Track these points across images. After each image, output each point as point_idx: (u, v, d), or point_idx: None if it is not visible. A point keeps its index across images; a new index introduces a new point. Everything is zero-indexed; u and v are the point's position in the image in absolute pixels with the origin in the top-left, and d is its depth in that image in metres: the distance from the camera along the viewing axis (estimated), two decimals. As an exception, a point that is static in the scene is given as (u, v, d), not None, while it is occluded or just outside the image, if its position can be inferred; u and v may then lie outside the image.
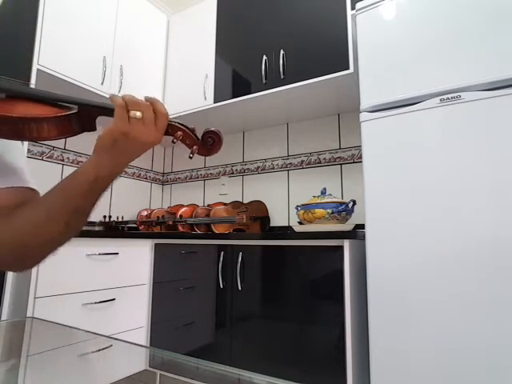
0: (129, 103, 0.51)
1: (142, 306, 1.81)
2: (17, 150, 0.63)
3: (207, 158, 2.59)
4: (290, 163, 2.29)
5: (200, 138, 0.61)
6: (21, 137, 0.53)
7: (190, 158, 0.60)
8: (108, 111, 0.55)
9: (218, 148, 0.61)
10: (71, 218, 0.53)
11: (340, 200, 1.67)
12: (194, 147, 0.60)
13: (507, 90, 1.11)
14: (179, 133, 0.58)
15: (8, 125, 0.51)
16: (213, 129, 0.60)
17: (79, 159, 2.27)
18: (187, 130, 0.60)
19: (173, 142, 0.58)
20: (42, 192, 0.63)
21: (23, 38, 1.66)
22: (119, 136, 0.51)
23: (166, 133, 0.57)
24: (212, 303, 1.65)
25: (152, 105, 0.53)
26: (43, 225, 0.52)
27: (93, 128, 0.58)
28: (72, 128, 0.56)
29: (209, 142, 0.60)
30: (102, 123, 0.57)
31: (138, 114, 0.51)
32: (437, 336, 1.13)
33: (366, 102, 1.39)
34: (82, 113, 0.56)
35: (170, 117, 0.57)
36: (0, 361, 0.74)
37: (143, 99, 0.53)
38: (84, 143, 2.26)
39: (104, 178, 0.52)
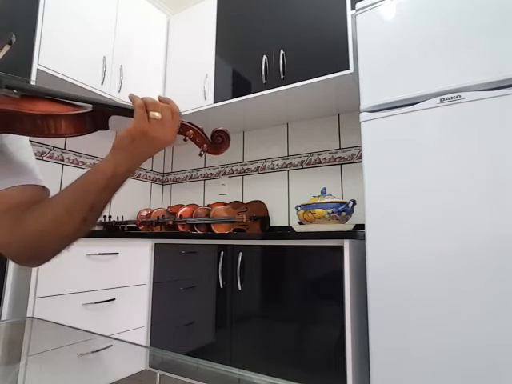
0: (148, 104, 0.53)
1: (141, 306, 1.81)
2: (27, 149, 0.64)
3: (207, 157, 2.59)
4: (290, 163, 2.29)
5: (209, 137, 0.64)
6: (39, 133, 0.55)
7: (201, 155, 0.64)
8: (125, 111, 0.57)
9: (226, 146, 0.64)
10: (88, 214, 0.55)
11: (340, 200, 1.67)
12: (204, 145, 0.63)
13: (507, 90, 1.11)
14: (190, 131, 0.62)
15: (28, 122, 0.53)
16: (221, 128, 0.63)
17: (79, 159, 2.27)
18: (197, 130, 0.63)
19: (184, 140, 0.62)
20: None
21: (23, 37, 1.66)
22: (138, 135, 0.53)
23: (178, 132, 0.60)
24: (212, 303, 1.65)
25: (172, 107, 0.56)
26: (62, 221, 0.54)
27: (106, 127, 0.60)
28: (87, 126, 0.58)
29: (218, 141, 0.63)
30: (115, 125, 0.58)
31: (158, 114, 0.53)
32: (437, 336, 1.13)
33: (366, 101, 1.38)
34: (97, 112, 0.58)
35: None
36: (0, 361, 0.74)
37: (157, 99, 0.56)
38: (84, 143, 2.26)
39: (121, 175, 0.55)
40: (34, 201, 0.57)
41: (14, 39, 0.57)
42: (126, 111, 0.57)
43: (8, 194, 0.56)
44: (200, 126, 0.64)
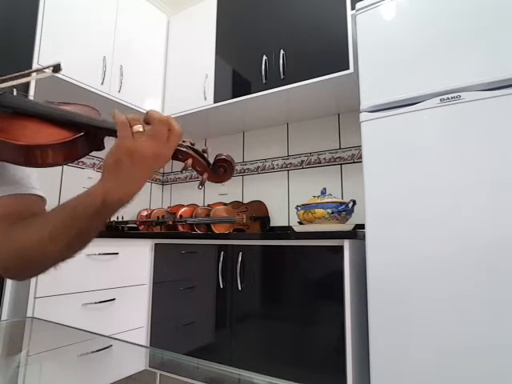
0: (131, 119, 0.48)
1: (141, 306, 1.81)
2: None
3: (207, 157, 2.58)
4: (290, 163, 2.29)
5: (211, 164, 0.58)
6: (27, 163, 0.51)
7: (200, 188, 0.59)
8: (115, 132, 0.51)
9: (229, 177, 0.59)
10: (73, 240, 0.52)
11: (340, 200, 1.67)
12: (205, 176, 0.57)
13: (507, 90, 1.11)
14: (190, 160, 0.56)
15: (13, 151, 0.50)
16: (224, 156, 0.58)
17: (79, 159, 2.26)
18: (198, 157, 0.57)
19: (182, 171, 0.57)
20: (47, 197, 0.63)
21: (23, 37, 1.66)
22: (123, 154, 0.48)
23: (176, 158, 0.55)
24: (212, 303, 1.65)
25: (167, 121, 0.50)
26: (44, 244, 0.51)
27: (100, 148, 0.56)
28: (78, 151, 0.54)
29: (220, 172, 0.58)
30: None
31: (140, 127, 0.48)
32: (437, 336, 1.13)
33: (366, 101, 1.38)
34: (89, 134, 0.53)
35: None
36: (0, 361, 0.74)
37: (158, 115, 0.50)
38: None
39: (112, 203, 0.49)
40: (26, 210, 0.56)
41: (60, 69, 0.55)
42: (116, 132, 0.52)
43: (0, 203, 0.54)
44: (203, 148, 0.58)
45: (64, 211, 0.51)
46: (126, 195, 0.50)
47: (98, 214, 0.49)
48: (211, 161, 0.58)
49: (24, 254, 0.51)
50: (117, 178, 0.48)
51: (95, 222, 0.51)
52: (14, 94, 0.58)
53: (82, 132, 0.52)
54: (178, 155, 0.55)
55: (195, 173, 0.59)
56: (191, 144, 0.57)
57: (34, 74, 0.59)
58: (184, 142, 0.56)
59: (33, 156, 0.50)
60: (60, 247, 0.51)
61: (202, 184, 0.58)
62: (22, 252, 0.52)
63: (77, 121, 0.53)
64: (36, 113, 0.53)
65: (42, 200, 0.61)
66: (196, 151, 0.57)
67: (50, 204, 0.61)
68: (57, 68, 0.55)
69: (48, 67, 0.56)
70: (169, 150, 0.51)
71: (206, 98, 2.17)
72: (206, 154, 0.58)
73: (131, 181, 0.49)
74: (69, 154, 0.53)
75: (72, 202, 0.51)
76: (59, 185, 2.08)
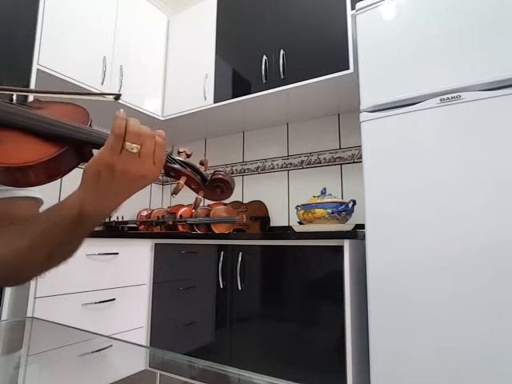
0: (129, 133, 0.43)
1: (141, 306, 1.81)
2: None
3: (207, 157, 2.58)
4: (290, 163, 2.29)
5: (208, 180, 0.52)
6: (9, 184, 0.46)
7: (194, 209, 0.55)
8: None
9: (225, 197, 0.54)
10: (55, 250, 0.49)
11: (340, 200, 1.67)
12: (200, 195, 0.52)
13: (507, 90, 1.11)
14: (182, 181, 0.50)
15: None
16: (221, 175, 0.52)
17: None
18: (192, 174, 0.51)
19: (174, 193, 0.50)
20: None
21: (23, 37, 1.66)
22: (103, 168, 0.43)
23: (169, 175, 0.50)
24: (212, 303, 1.65)
25: (154, 136, 0.45)
26: (24, 253, 0.48)
27: (89, 160, 0.50)
28: (63, 167, 0.48)
29: (217, 192, 0.52)
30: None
31: (135, 148, 0.43)
32: (437, 336, 1.13)
33: (365, 101, 1.38)
34: (76, 147, 0.47)
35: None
36: (0, 361, 0.74)
37: (144, 128, 0.44)
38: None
39: (89, 215, 0.45)
40: (7, 215, 0.53)
41: (119, 98, 0.51)
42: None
43: None
44: (199, 162, 0.53)
45: (42, 221, 0.48)
46: (105, 209, 0.47)
47: (76, 226, 0.46)
48: (209, 170, 0.53)
49: (4, 262, 0.48)
50: (95, 192, 0.44)
51: (73, 234, 0.48)
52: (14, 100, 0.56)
53: (67, 146, 0.46)
54: (169, 172, 0.50)
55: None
56: (187, 155, 0.52)
57: (97, 97, 0.56)
58: (180, 153, 0.51)
59: (12, 177, 0.44)
60: (41, 258, 0.49)
61: (195, 207, 0.53)
62: (2, 260, 0.48)
63: (59, 133, 0.45)
64: (12, 123, 0.45)
65: (35, 201, 0.58)
66: (191, 166, 0.51)
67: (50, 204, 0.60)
68: (117, 97, 0.53)
69: (110, 94, 0.54)
70: (156, 169, 0.46)
71: (205, 98, 2.17)
72: (203, 167, 0.53)
73: (110, 196, 0.45)
74: (53, 172, 0.46)
75: (50, 212, 0.48)
76: (59, 184, 2.08)
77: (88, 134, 0.47)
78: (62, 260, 0.52)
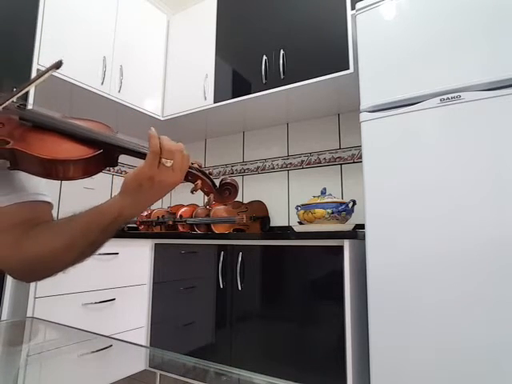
0: (164, 151, 0.52)
1: (141, 306, 1.81)
2: None
3: (207, 157, 2.58)
4: (290, 163, 2.29)
5: (218, 186, 0.63)
6: (47, 175, 0.53)
7: (206, 207, 0.65)
8: (137, 154, 0.56)
9: (232, 199, 0.64)
10: (87, 249, 0.56)
11: (340, 200, 1.67)
12: (211, 196, 0.62)
13: (507, 90, 1.11)
14: (199, 182, 0.60)
15: (36, 163, 0.51)
16: (229, 180, 0.63)
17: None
18: (205, 179, 0.61)
19: (192, 192, 0.60)
20: (54, 202, 0.64)
21: (23, 37, 1.66)
22: (145, 180, 0.52)
23: (187, 179, 0.59)
24: (212, 303, 1.65)
25: (182, 150, 0.54)
26: (60, 252, 0.54)
27: (114, 165, 0.59)
28: (95, 168, 0.56)
29: (225, 194, 0.63)
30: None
31: (169, 163, 0.53)
32: (437, 336, 1.13)
33: (365, 101, 1.38)
34: (107, 152, 0.56)
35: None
36: (0, 361, 0.74)
37: (174, 145, 0.54)
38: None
39: (125, 218, 0.55)
40: (36, 218, 0.58)
41: (61, 65, 0.55)
42: (138, 154, 0.56)
43: (9, 211, 0.56)
44: (208, 172, 0.62)
45: (80, 225, 0.55)
46: (139, 212, 0.57)
47: (111, 226, 0.54)
48: (209, 170, 0.63)
49: (35, 262, 0.54)
50: (135, 199, 0.54)
51: (107, 233, 0.55)
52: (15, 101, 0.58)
53: (101, 149, 0.55)
54: (188, 177, 0.59)
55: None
56: (199, 166, 0.61)
57: (39, 79, 0.58)
58: (193, 163, 0.60)
59: (55, 169, 0.52)
60: (74, 256, 0.55)
61: (208, 205, 0.64)
62: (33, 260, 0.54)
63: (95, 138, 0.55)
64: (56, 128, 0.54)
65: (50, 206, 0.63)
66: (204, 173, 0.61)
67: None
68: (58, 64, 0.56)
69: (51, 67, 0.56)
70: (182, 176, 0.56)
71: (206, 98, 2.17)
72: (211, 176, 0.63)
73: (147, 202, 0.56)
74: (87, 170, 0.55)
75: (88, 217, 0.55)
76: (59, 185, 2.08)
77: (120, 141, 0.56)
78: (89, 257, 0.58)
